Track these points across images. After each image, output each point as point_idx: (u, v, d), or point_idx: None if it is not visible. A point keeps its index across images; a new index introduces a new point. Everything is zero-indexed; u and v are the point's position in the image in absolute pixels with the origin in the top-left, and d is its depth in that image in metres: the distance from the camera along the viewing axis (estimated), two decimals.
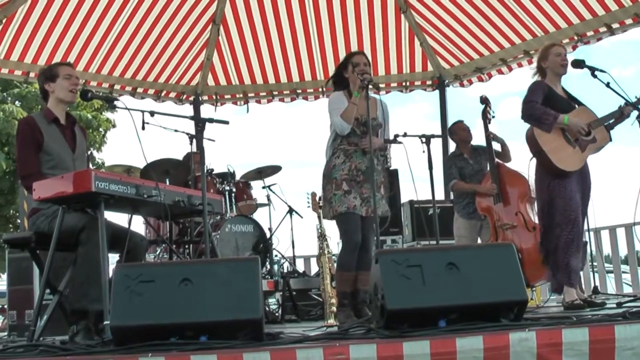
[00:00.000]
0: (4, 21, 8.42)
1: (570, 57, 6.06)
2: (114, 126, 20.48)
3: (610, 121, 5.90)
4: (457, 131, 7.81)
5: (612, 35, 8.56)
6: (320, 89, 10.71)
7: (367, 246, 5.93)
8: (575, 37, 8.81)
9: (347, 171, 5.77)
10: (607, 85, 5.82)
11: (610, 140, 5.93)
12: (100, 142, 20.01)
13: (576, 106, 5.95)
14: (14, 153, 16.71)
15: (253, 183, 8.71)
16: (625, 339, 3.34)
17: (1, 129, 18.12)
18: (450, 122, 8.36)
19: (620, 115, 5.87)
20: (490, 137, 7.19)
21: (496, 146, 7.34)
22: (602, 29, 8.59)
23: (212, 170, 8.10)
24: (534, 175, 6.10)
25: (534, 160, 5.97)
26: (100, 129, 19.99)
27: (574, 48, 8.91)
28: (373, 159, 5.66)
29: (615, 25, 8.46)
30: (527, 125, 5.87)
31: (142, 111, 5.17)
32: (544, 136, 5.73)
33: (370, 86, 5.67)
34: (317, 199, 6.10)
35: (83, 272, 4.62)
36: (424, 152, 6.66)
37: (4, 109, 18.61)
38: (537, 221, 6.47)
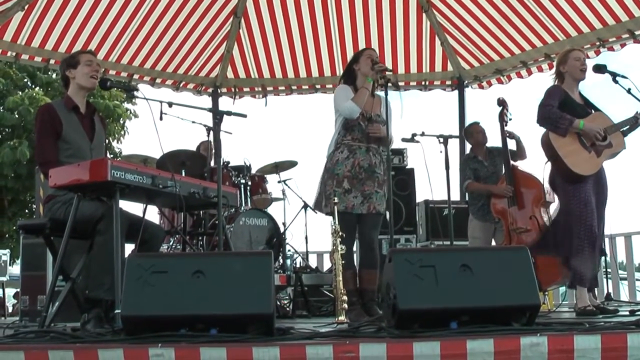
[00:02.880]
0: (26, 7, 8.45)
1: (593, 62, 6.02)
2: (136, 117, 20.52)
3: (625, 127, 5.86)
4: (472, 133, 7.80)
5: (637, 42, 8.48)
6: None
7: (372, 244, 5.92)
8: (598, 42, 8.76)
9: (350, 167, 5.78)
10: (629, 91, 5.78)
11: (625, 147, 5.89)
12: (118, 132, 20.05)
13: (593, 112, 5.91)
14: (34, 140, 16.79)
15: (269, 177, 8.72)
16: (637, 347, 3.30)
17: (25, 116, 18.18)
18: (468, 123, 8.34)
19: (635, 122, 5.83)
20: (506, 137, 7.16)
21: (511, 145, 7.31)
22: (625, 35, 8.53)
23: (228, 162, 8.10)
24: (548, 179, 6.08)
25: (548, 164, 5.95)
26: (120, 120, 20.03)
27: (597, 53, 8.86)
28: (389, 152, 5.69)
29: (638, 32, 8.39)
30: (542, 130, 5.84)
31: (161, 102, 5.19)
32: (560, 140, 5.70)
33: (389, 84, 5.68)
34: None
35: (100, 260, 4.63)
36: (441, 152, 6.67)
37: (31, 95, 18.71)
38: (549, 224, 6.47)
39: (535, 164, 6.83)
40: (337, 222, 5.51)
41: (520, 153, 7.31)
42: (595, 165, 5.72)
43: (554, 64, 6.13)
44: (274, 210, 8.80)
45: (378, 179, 5.85)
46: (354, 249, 6.18)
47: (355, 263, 6.08)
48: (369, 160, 5.83)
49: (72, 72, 5.19)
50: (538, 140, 5.92)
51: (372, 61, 5.87)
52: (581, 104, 5.91)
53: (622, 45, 8.69)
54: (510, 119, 7.18)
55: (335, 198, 5.67)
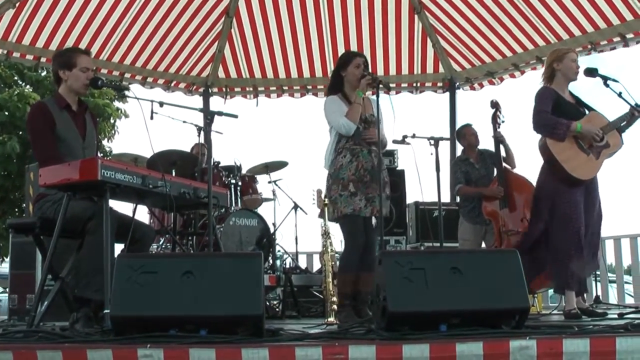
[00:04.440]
0: (17, 4, 8.41)
1: (584, 64, 6.01)
2: (126, 116, 20.45)
3: (622, 124, 5.84)
4: (465, 135, 7.80)
5: (626, 46, 8.51)
6: None
7: (370, 247, 5.91)
8: (589, 46, 8.79)
9: (354, 171, 5.75)
10: (619, 95, 5.77)
11: (622, 143, 5.87)
12: (109, 131, 19.98)
13: (585, 111, 5.89)
14: (25, 137, 16.73)
15: (259, 177, 8.71)
16: (626, 351, 3.32)
17: (14, 112, 18.11)
18: (459, 125, 8.35)
19: (631, 117, 5.80)
20: (499, 139, 7.15)
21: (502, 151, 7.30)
22: (616, 39, 8.56)
23: (219, 163, 8.08)
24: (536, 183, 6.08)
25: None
26: (111, 119, 19.97)
27: (588, 54, 8.89)
28: (380, 154, 5.67)
29: (629, 36, 8.43)
30: (538, 135, 5.83)
31: (152, 101, 5.17)
32: (557, 145, 5.67)
33: (381, 85, 5.66)
34: (323, 196, 6.08)
35: (89, 261, 4.61)
36: (431, 154, 6.67)
37: (20, 92, 18.63)
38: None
39: (528, 167, 6.83)
40: (326, 224, 5.51)
41: (509, 161, 7.27)
42: (594, 167, 5.69)
43: (546, 61, 6.08)
44: (264, 210, 8.79)
45: (381, 181, 5.83)
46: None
47: None
48: (371, 162, 5.80)
49: (66, 74, 5.10)
50: (531, 143, 5.92)
51: (361, 72, 5.83)
52: (573, 103, 5.89)
53: (613, 49, 8.72)
54: (503, 122, 7.17)
55: (326, 201, 5.66)
